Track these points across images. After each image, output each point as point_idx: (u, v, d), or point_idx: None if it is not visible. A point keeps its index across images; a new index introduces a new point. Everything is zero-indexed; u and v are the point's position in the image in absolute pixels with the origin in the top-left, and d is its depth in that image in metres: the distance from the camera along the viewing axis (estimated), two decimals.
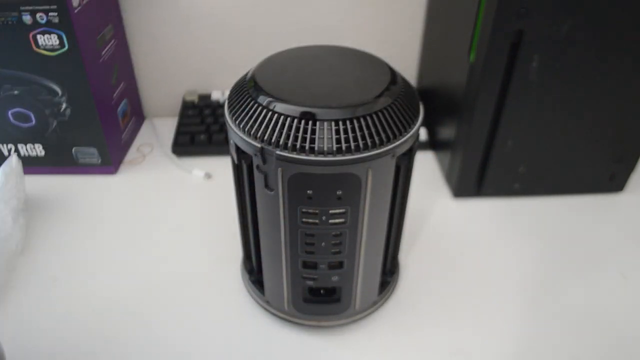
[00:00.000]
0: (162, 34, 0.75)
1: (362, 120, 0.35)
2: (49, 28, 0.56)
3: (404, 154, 0.38)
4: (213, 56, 0.77)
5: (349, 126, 0.35)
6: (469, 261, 0.55)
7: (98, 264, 0.54)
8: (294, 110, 0.35)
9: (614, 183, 0.63)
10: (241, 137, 0.37)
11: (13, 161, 0.56)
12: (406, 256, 0.55)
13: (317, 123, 0.35)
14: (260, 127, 0.36)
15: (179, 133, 0.72)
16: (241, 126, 0.37)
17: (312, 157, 0.35)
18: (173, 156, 0.71)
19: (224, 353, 0.46)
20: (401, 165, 0.39)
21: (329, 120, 0.35)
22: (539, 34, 0.49)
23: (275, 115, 0.36)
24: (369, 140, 0.35)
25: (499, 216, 0.61)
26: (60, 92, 0.61)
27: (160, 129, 0.77)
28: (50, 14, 0.55)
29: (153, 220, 0.60)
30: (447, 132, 0.64)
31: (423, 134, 0.71)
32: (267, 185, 0.38)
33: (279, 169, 0.36)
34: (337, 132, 0.35)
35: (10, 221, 0.54)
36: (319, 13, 0.74)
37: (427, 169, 0.68)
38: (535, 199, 0.63)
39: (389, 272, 0.50)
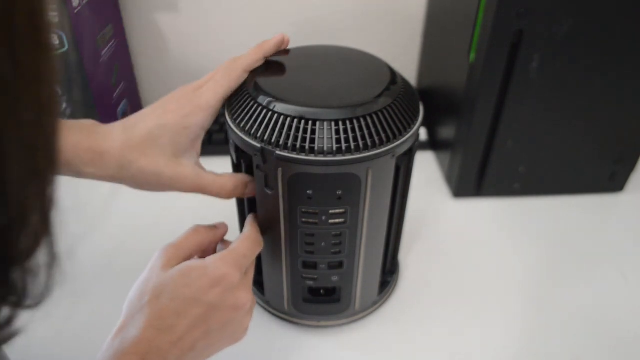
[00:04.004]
0: (162, 34, 0.75)
1: (362, 120, 0.35)
2: None
3: (404, 154, 0.38)
4: (213, 56, 0.77)
5: (348, 126, 0.35)
6: (469, 261, 0.55)
7: (98, 265, 0.54)
8: (294, 110, 0.35)
9: (614, 183, 0.63)
10: (241, 137, 0.37)
11: None
12: (406, 256, 0.55)
13: (317, 123, 0.35)
14: (260, 127, 0.36)
15: None
16: (241, 126, 0.37)
17: (312, 157, 0.35)
18: None
19: (223, 353, 0.46)
20: (401, 165, 0.39)
21: (329, 120, 0.35)
22: (539, 34, 0.49)
23: (275, 115, 0.36)
24: (368, 140, 0.35)
25: (499, 216, 0.61)
26: (60, 92, 0.60)
27: None
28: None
29: (153, 220, 0.60)
30: (447, 132, 0.64)
31: (423, 134, 0.71)
32: (267, 185, 0.38)
33: (279, 169, 0.36)
34: (337, 132, 0.35)
35: None
36: (320, 13, 0.74)
37: (427, 169, 0.68)
38: (535, 199, 0.63)
39: (389, 272, 0.50)
